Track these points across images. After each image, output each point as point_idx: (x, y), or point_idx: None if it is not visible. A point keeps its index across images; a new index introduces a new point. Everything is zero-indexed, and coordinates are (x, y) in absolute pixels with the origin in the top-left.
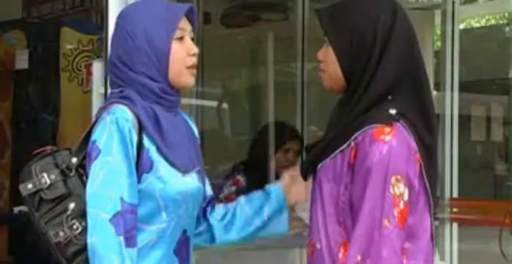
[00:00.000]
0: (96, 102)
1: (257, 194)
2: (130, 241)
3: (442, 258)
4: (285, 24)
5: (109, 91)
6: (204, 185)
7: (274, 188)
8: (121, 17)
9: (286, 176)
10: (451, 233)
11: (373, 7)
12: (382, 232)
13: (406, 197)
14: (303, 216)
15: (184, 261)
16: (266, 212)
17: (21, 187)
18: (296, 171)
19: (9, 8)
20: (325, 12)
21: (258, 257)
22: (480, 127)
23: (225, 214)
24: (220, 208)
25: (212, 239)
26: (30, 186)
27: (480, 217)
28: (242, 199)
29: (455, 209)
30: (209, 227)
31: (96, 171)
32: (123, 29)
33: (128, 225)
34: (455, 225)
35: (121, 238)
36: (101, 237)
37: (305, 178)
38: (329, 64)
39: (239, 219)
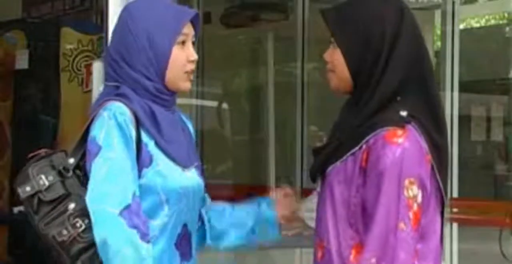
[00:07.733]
0: None
1: (248, 203)
2: (144, 236)
3: (442, 258)
4: (285, 24)
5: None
6: (204, 180)
7: (265, 199)
8: (125, 12)
9: (278, 190)
10: (451, 233)
11: (380, 7)
12: (399, 235)
13: (419, 199)
14: (303, 216)
15: (186, 255)
16: (254, 217)
17: (19, 190)
18: (287, 188)
19: (9, 8)
20: (331, 12)
21: (258, 257)
22: (480, 127)
23: (217, 216)
24: (214, 209)
25: (204, 238)
26: (28, 188)
27: (480, 217)
28: (234, 205)
29: (455, 209)
30: (202, 226)
31: (99, 167)
32: (126, 27)
33: (141, 217)
34: (455, 225)
35: (134, 231)
36: (112, 232)
37: (313, 180)
38: (337, 65)
39: (229, 221)
